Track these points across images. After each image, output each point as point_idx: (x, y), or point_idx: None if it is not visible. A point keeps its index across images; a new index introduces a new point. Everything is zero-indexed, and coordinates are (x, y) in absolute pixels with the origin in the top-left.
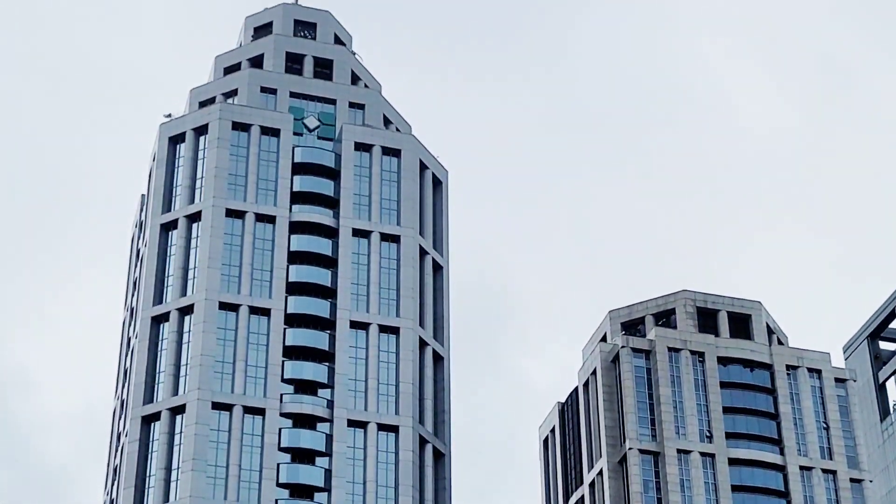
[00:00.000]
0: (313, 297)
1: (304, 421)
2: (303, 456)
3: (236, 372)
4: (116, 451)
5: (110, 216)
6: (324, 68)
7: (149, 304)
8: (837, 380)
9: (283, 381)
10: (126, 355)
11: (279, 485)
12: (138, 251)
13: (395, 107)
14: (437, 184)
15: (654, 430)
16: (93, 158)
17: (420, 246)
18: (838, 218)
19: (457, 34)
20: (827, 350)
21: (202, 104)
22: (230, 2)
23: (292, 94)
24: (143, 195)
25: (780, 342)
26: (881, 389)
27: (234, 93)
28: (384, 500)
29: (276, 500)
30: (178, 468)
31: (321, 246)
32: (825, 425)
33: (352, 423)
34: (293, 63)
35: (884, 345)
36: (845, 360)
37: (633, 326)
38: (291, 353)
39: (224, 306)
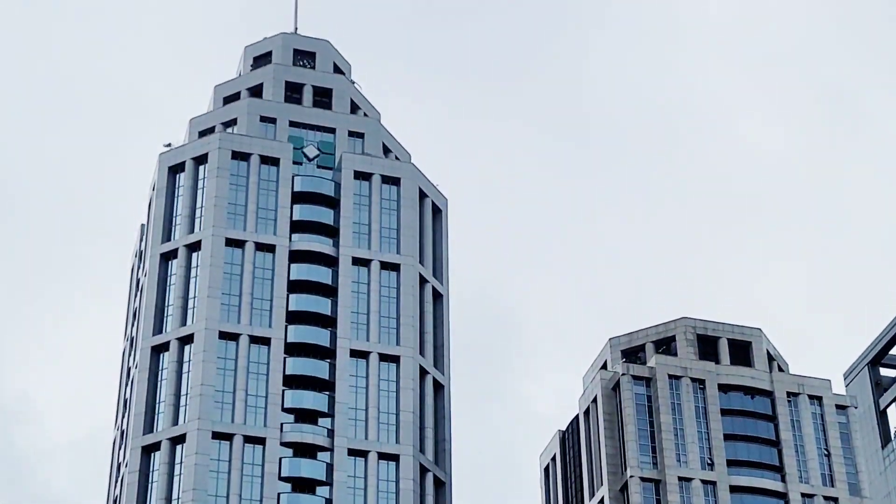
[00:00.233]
0: (313, 326)
1: (304, 450)
2: (303, 485)
3: (236, 401)
4: (116, 481)
5: (111, 246)
6: (323, 97)
7: (149, 333)
8: (838, 406)
9: (284, 410)
10: (126, 385)
11: None
12: (138, 281)
13: (394, 135)
14: (437, 212)
15: (655, 457)
16: (93, 188)
17: (420, 274)
18: (839, 245)
19: (455, 62)
20: (828, 377)
21: (202, 134)
22: (229, 31)
23: (292, 124)
24: (142, 225)
25: (780, 369)
26: (882, 416)
27: (233, 122)
28: None
29: None
30: (178, 498)
31: (321, 275)
32: (826, 452)
33: (352, 452)
34: (292, 92)
35: (884, 371)
36: (846, 386)
37: (633, 354)
38: (292, 382)
39: (224, 336)
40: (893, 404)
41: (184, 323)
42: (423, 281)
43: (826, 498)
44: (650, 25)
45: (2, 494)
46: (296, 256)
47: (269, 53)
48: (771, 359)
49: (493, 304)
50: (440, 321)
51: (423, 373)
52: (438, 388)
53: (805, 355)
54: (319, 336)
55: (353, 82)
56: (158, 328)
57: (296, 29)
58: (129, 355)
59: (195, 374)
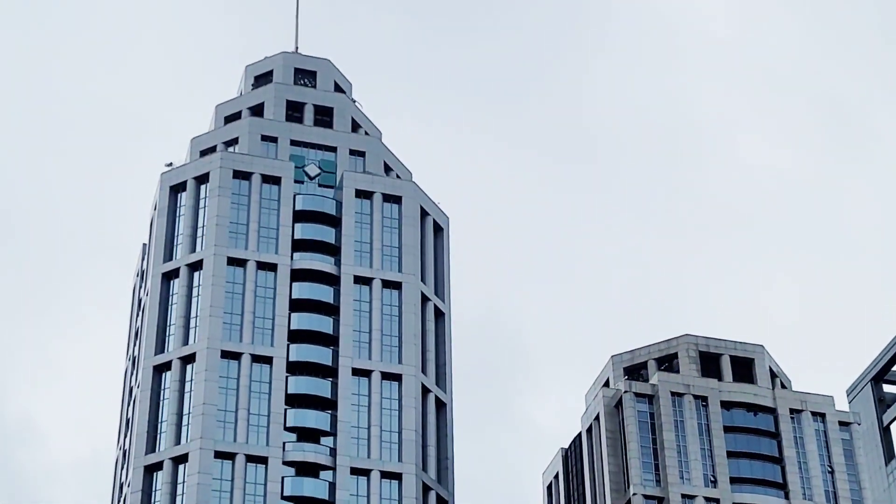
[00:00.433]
0: (315, 345)
1: (306, 469)
2: None
3: (238, 420)
4: (119, 501)
5: (113, 265)
6: (324, 116)
7: (151, 353)
8: (841, 423)
9: (286, 429)
10: (128, 405)
11: None
12: (140, 300)
13: (395, 153)
14: (439, 230)
15: (657, 475)
16: (95, 208)
17: (422, 292)
18: (841, 261)
19: (456, 80)
20: (830, 393)
21: (203, 153)
22: (230, 51)
23: (293, 142)
24: (144, 244)
25: (783, 386)
26: (885, 432)
27: (234, 141)
28: None
29: None
30: None
31: (323, 293)
32: (830, 469)
33: (355, 471)
34: (293, 111)
35: (887, 388)
36: (849, 403)
37: (635, 371)
38: (294, 401)
39: (226, 355)
40: None
41: (186, 342)
42: (424, 299)
43: None
44: (651, 44)
45: None
46: (297, 275)
47: (270, 72)
48: (773, 375)
49: (496, 322)
50: (442, 339)
51: (426, 391)
52: (441, 406)
53: (807, 372)
54: (321, 355)
55: (354, 101)
56: (160, 347)
57: (297, 48)
58: (132, 375)
59: (197, 393)
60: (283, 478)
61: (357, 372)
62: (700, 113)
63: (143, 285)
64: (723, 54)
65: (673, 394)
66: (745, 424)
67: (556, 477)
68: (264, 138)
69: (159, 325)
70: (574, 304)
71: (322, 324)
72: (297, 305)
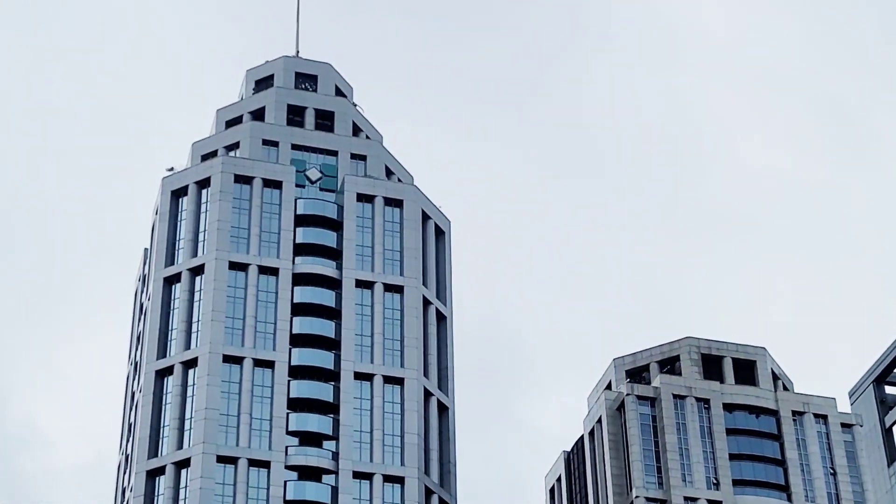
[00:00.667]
0: (317, 349)
1: (309, 473)
2: None
3: (241, 425)
4: None
5: (115, 270)
6: (325, 120)
7: (153, 357)
8: (844, 425)
9: (288, 433)
10: (130, 409)
11: None
12: (142, 305)
13: (396, 157)
14: (440, 234)
15: (660, 477)
16: (96, 213)
17: (423, 296)
18: (842, 264)
19: (457, 83)
20: (833, 395)
21: (204, 157)
22: (231, 55)
23: (294, 147)
24: (145, 249)
25: (785, 388)
26: (888, 434)
27: (235, 146)
28: None
29: None
30: None
31: (324, 297)
32: (832, 471)
33: (357, 475)
34: (294, 115)
35: (889, 389)
36: (851, 405)
37: (637, 374)
38: (296, 405)
39: (228, 359)
40: None
41: (188, 347)
42: (426, 303)
43: None
44: (651, 46)
45: None
46: (299, 279)
47: (271, 77)
48: (775, 378)
49: (498, 326)
50: (444, 343)
51: (428, 395)
52: (443, 409)
53: (810, 374)
54: (323, 359)
55: (355, 105)
56: (162, 352)
57: (297, 52)
58: (134, 380)
59: (199, 397)
60: (285, 482)
61: (359, 376)
62: (701, 114)
63: (145, 290)
64: (723, 55)
65: (675, 396)
66: (747, 427)
67: (559, 480)
68: (265, 142)
69: (161, 329)
70: (576, 307)
71: (324, 328)
72: (298, 309)
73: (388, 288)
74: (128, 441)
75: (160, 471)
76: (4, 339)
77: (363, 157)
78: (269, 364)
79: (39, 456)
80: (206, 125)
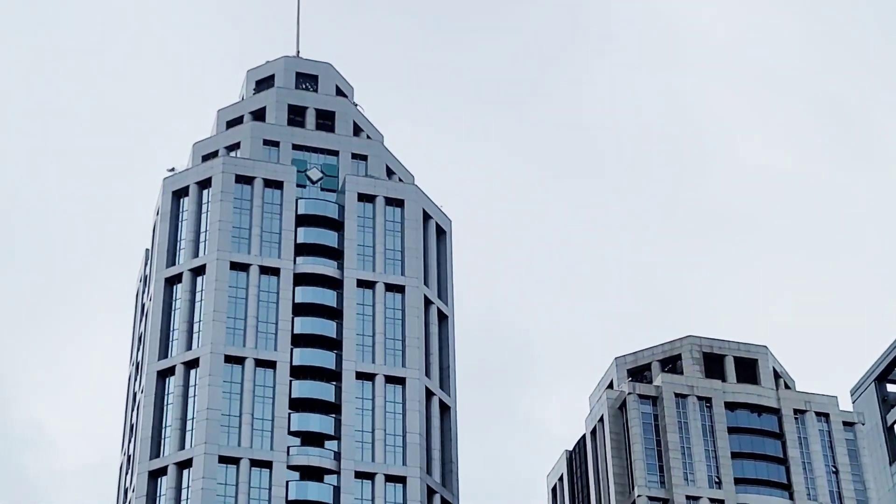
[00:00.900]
0: (319, 349)
1: (311, 473)
2: None
3: (243, 425)
4: None
5: (116, 271)
6: (326, 120)
7: (154, 358)
8: (846, 423)
9: (290, 433)
10: (132, 410)
11: None
12: (143, 305)
13: (397, 157)
14: (441, 233)
15: (662, 476)
16: (97, 214)
17: (425, 296)
18: (843, 262)
19: (458, 83)
20: (834, 394)
21: (205, 158)
22: (232, 55)
23: (295, 147)
24: (147, 249)
25: (787, 386)
26: (890, 432)
27: (236, 146)
28: None
29: None
30: None
31: (326, 297)
32: (834, 469)
33: (359, 475)
34: (295, 115)
35: (891, 387)
36: (853, 403)
37: (639, 373)
38: (298, 405)
39: (230, 359)
40: None
41: (189, 347)
42: (428, 302)
43: None
44: (651, 46)
45: None
46: (300, 279)
47: (272, 77)
48: (777, 376)
49: (499, 325)
50: (445, 342)
51: (430, 394)
52: (445, 409)
53: (811, 372)
54: (325, 359)
55: (356, 105)
56: (164, 353)
57: (298, 52)
58: (135, 380)
59: (201, 398)
60: (287, 482)
61: (361, 376)
62: (701, 114)
63: (146, 290)
64: (723, 55)
65: (677, 395)
66: (749, 425)
67: (561, 479)
68: (266, 142)
69: (162, 330)
70: (577, 306)
71: (325, 328)
72: (300, 309)
73: (390, 288)
74: (130, 441)
75: (162, 471)
76: (7, 340)
77: (364, 157)
78: (271, 364)
79: (43, 457)
80: (206, 125)
